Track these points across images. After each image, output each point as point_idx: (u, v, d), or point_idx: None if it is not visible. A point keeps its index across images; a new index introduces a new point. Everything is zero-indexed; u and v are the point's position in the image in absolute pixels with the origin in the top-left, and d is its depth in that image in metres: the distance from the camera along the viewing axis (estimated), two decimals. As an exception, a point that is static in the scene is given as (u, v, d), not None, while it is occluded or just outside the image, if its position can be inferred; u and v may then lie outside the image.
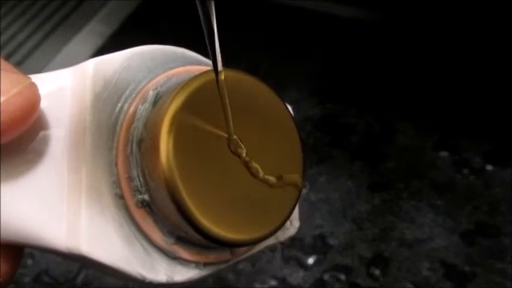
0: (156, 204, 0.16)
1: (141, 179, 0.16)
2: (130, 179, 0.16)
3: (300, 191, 0.17)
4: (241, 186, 0.16)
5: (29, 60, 0.52)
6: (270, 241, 0.19)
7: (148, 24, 0.52)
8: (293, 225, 0.19)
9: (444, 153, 0.42)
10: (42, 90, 0.15)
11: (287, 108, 0.18)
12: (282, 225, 0.17)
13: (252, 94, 0.17)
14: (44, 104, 0.15)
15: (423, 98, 0.44)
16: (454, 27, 0.46)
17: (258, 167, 0.16)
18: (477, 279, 0.36)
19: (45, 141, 0.15)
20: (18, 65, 0.51)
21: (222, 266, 0.18)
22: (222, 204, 0.16)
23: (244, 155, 0.16)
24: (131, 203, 0.16)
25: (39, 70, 0.48)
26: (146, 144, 0.16)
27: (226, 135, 0.16)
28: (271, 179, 0.17)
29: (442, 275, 0.36)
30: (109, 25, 0.55)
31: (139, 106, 0.16)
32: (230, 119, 0.16)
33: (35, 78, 0.15)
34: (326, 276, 0.36)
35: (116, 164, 0.16)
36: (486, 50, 0.45)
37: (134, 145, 0.16)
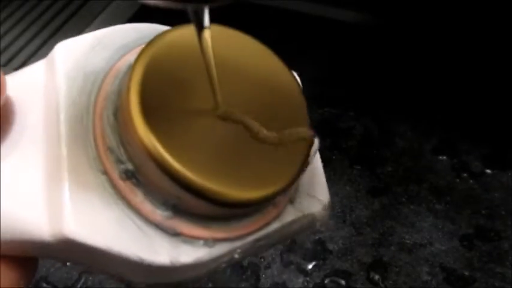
0: (140, 172, 0.14)
1: (121, 148, 0.15)
2: (110, 150, 0.15)
3: (311, 145, 0.15)
4: (236, 145, 0.15)
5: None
6: (291, 214, 0.16)
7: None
8: (319, 198, 0.17)
9: (443, 157, 0.42)
10: (16, 81, 0.15)
11: (283, 63, 0.16)
12: (292, 181, 0.15)
13: (237, 48, 0.16)
14: (17, 94, 0.15)
15: (422, 102, 0.44)
16: (452, 30, 0.46)
17: (256, 123, 0.15)
18: (477, 283, 0.35)
19: (21, 130, 0.15)
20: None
21: (238, 244, 0.15)
22: (214, 161, 0.14)
23: (235, 113, 0.15)
24: (115, 177, 0.15)
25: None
26: (120, 111, 0.15)
27: (210, 93, 0.15)
28: (272, 135, 0.15)
29: (442, 279, 0.36)
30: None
31: (113, 80, 0.15)
32: (215, 75, 0.14)
33: (13, 73, 0.15)
34: (326, 282, 0.36)
35: (95, 139, 0.15)
36: (485, 52, 0.45)
37: (111, 116, 0.15)
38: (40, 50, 0.53)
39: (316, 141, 0.16)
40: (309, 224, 0.17)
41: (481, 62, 0.45)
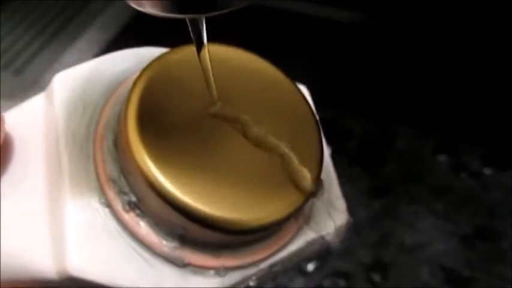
0: (143, 202, 0.14)
1: (122, 179, 0.14)
2: (112, 181, 0.14)
3: (322, 154, 0.14)
4: (240, 163, 0.14)
5: (27, 69, 0.52)
6: (307, 235, 0.15)
7: (146, 32, 0.52)
8: (336, 216, 0.16)
9: (443, 157, 0.42)
10: (15, 117, 0.15)
11: (286, 77, 0.16)
12: (305, 201, 0.14)
13: (238, 64, 0.15)
14: (17, 130, 0.15)
15: (421, 102, 0.44)
16: (452, 30, 0.46)
17: (260, 130, 0.14)
18: (477, 283, 0.36)
19: (21, 167, 0.15)
20: (17, 73, 0.51)
21: (251, 271, 0.15)
22: (217, 186, 0.13)
23: (241, 121, 0.14)
24: (119, 208, 0.14)
25: (37, 78, 0.48)
26: (119, 140, 0.14)
27: (209, 106, 0.14)
28: (280, 145, 0.14)
29: (442, 279, 0.36)
30: (107, 32, 0.55)
31: (112, 108, 0.15)
32: (214, 88, 0.14)
33: (13, 109, 0.15)
34: (326, 283, 0.36)
35: (96, 170, 0.15)
36: (484, 52, 0.45)
37: (111, 145, 0.15)
38: (39, 52, 0.53)
39: (326, 147, 0.15)
40: (327, 243, 0.16)
41: (481, 62, 0.45)
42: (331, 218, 0.16)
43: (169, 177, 0.13)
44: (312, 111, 0.16)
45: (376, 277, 0.36)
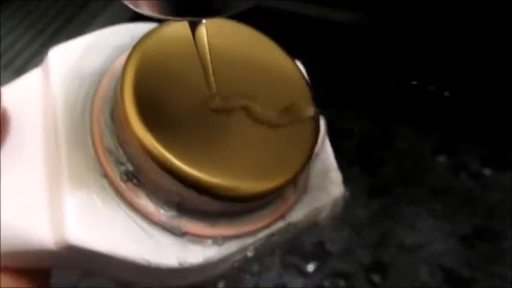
0: (141, 172, 0.14)
1: (119, 149, 0.14)
2: (109, 152, 0.14)
3: (317, 128, 0.15)
4: (237, 135, 0.14)
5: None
6: (305, 206, 0.15)
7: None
8: (333, 187, 0.16)
9: (442, 158, 0.42)
10: (13, 92, 0.15)
11: (282, 49, 0.16)
12: (301, 169, 0.14)
13: (232, 36, 0.15)
14: (15, 104, 0.15)
15: (420, 102, 0.44)
16: (452, 31, 0.46)
17: (256, 104, 0.14)
18: (477, 283, 0.36)
19: (19, 140, 0.15)
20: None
21: (249, 241, 0.15)
22: (214, 154, 0.14)
23: (232, 98, 0.14)
24: (116, 178, 0.14)
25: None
26: (116, 111, 0.14)
27: (206, 85, 0.14)
28: (274, 115, 0.14)
29: (442, 279, 0.36)
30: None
31: (109, 82, 0.15)
32: (209, 64, 0.14)
33: (10, 84, 0.16)
34: (326, 283, 0.36)
35: (93, 142, 0.15)
36: (484, 52, 0.45)
37: (108, 117, 0.15)
38: (40, 52, 0.53)
39: (323, 123, 0.15)
40: (326, 212, 0.16)
41: (481, 63, 0.45)
42: (327, 190, 0.16)
43: (166, 144, 0.13)
44: (308, 85, 0.16)
45: (376, 277, 0.36)
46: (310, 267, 0.37)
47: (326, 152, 0.17)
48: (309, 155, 0.14)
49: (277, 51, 0.16)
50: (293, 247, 0.37)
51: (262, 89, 0.15)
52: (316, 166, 0.16)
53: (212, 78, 0.14)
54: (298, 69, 0.16)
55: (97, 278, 0.36)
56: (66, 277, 0.37)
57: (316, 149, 0.15)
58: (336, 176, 0.17)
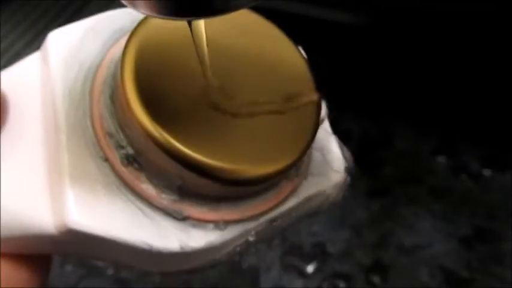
0: (142, 155, 0.14)
1: (120, 132, 0.14)
2: (109, 135, 0.14)
3: (318, 111, 0.14)
4: (239, 119, 0.14)
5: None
6: (307, 189, 0.15)
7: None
8: (335, 170, 0.16)
9: (442, 158, 0.42)
10: (11, 76, 0.15)
11: (283, 33, 0.16)
12: (303, 152, 0.14)
13: (231, 21, 0.15)
14: (13, 89, 0.15)
15: (420, 102, 0.44)
16: (451, 31, 0.46)
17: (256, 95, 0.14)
18: (476, 284, 0.36)
19: (19, 124, 0.15)
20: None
21: (251, 225, 0.15)
22: (215, 138, 0.13)
23: (228, 90, 0.14)
24: (117, 162, 0.14)
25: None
26: (116, 94, 0.14)
27: (206, 69, 0.14)
28: (275, 102, 0.14)
29: (442, 281, 0.36)
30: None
31: (109, 65, 0.15)
32: (205, 51, 0.14)
33: (8, 68, 0.15)
34: (325, 284, 0.36)
35: (93, 125, 0.15)
36: (484, 53, 0.45)
37: (108, 100, 0.15)
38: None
39: (324, 106, 0.15)
40: (327, 198, 0.16)
41: (480, 63, 0.45)
42: (328, 175, 0.16)
43: (167, 127, 0.13)
44: (309, 69, 0.16)
45: (376, 278, 0.36)
46: (310, 268, 0.37)
47: (328, 139, 0.17)
48: (311, 140, 0.14)
49: (277, 34, 0.16)
50: (293, 248, 0.37)
51: (262, 75, 0.15)
52: (318, 150, 0.16)
53: (207, 63, 0.14)
54: (300, 53, 0.16)
55: (96, 278, 0.36)
56: (66, 277, 0.37)
57: (318, 133, 0.15)
58: (338, 162, 0.16)
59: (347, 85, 0.46)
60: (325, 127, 0.17)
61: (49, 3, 0.57)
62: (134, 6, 0.12)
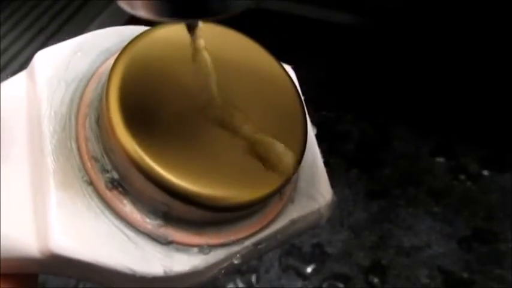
0: (126, 180, 0.14)
1: (105, 157, 0.14)
2: (95, 159, 0.14)
3: (305, 134, 0.15)
4: (223, 145, 0.14)
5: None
6: (292, 214, 0.15)
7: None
8: (321, 195, 0.16)
9: (440, 159, 0.42)
10: None
11: (274, 58, 0.16)
12: (287, 180, 0.14)
13: (226, 44, 0.15)
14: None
15: (419, 104, 0.44)
16: (449, 32, 0.46)
17: (247, 127, 0.14)
18: (475, 285, 0.36)
19: (4, 146, 0.15)
20: (18, 72, 0.51)
21: (235, 249, 0.15)
22: (199, 164, 0.13)
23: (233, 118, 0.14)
24: (102, 186, 0.14)
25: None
26: (101, 118, 0.14)
27: (197, 94, 0.14)
28: (264, 135, 0.14)
29: (441, 282, 0.36)
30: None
31: (95, 86, 0.15)
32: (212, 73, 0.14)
33: None
34: (325, 285, 0.36)
35: (79, 148, 0.14)
36: (482, 54, 0.45)
37: (93, 124, 0.14)
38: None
39: (312, 132, 0.16)
40: (312, 222, 0.16)
41: (480, 64, 0.45)
42: (314, 198, 0.16)
43: (151, 154, 0.13)
44: (298, 93, 0.16)
45: (375, 280, 0.36)
46: (309, 270, 0.37)
47: (315, 160, 0.17)
48: (296, 165, 0.14)
49: (264, 56, 0.16)
50: (292, 249, 0.37)
51: (249, 98, 0.15)
52: (306, 174, 0.16)
53: (215, 90, 0.14)
54: (288, 75, 0.16)
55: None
56: (66, 277, 0.37)
57: (305, 157, 0.15)
58: (324, 184, 0.17)
59: (346, 87, 0.46)
60: (315, 154, 0.17)
61: (48, 3, 0.57)
62: (133, 9, 0.12)
